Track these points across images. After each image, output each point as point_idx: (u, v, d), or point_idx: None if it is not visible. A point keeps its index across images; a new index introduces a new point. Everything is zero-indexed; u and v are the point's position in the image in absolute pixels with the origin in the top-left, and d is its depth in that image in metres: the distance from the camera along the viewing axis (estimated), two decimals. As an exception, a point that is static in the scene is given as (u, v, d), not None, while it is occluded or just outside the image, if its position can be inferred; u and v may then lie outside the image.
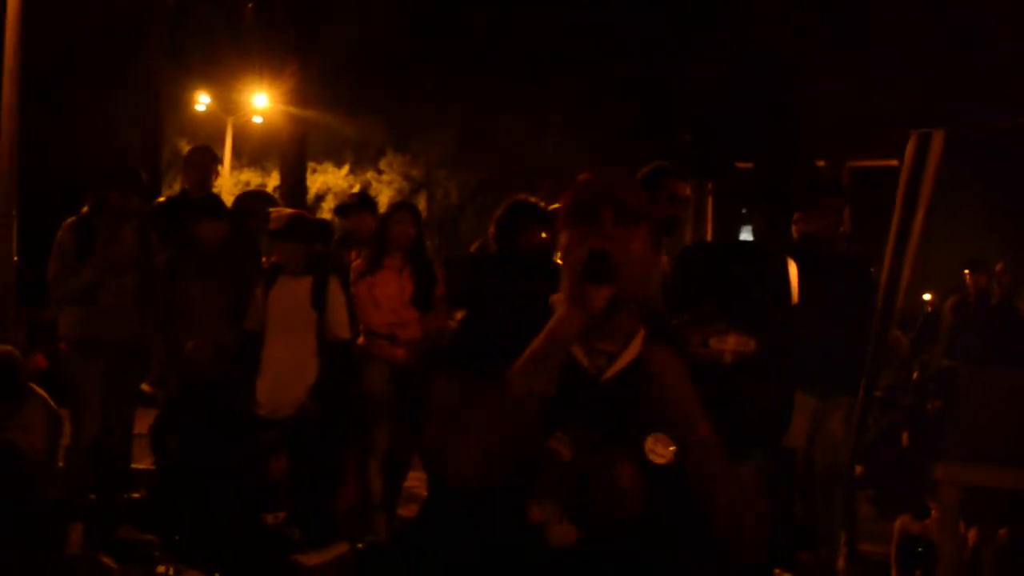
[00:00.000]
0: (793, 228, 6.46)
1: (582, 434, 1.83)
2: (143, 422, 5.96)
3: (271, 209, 5.87)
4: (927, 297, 10.11)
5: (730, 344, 4.39)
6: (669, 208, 4.89)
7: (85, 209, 5.61)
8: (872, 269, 5.50)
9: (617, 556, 1.80)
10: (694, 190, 6.21)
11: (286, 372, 5.41)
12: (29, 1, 9.61)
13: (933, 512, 5.46)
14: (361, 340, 5.74)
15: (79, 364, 5.40)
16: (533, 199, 5.33)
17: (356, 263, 5.86)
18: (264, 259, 6.07)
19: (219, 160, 6.79)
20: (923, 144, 4.79)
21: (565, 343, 1.80)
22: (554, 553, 1.80)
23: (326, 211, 24.00)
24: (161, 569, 5.13)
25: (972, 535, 4.95)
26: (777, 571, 5.09)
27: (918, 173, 4.80)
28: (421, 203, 24.50)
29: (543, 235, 5.14)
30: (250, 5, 16.72)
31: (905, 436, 8.56)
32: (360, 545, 5.48)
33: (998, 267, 7.53)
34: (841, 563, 5.44)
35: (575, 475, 1.81)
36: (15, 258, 9.92)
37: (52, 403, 5.92)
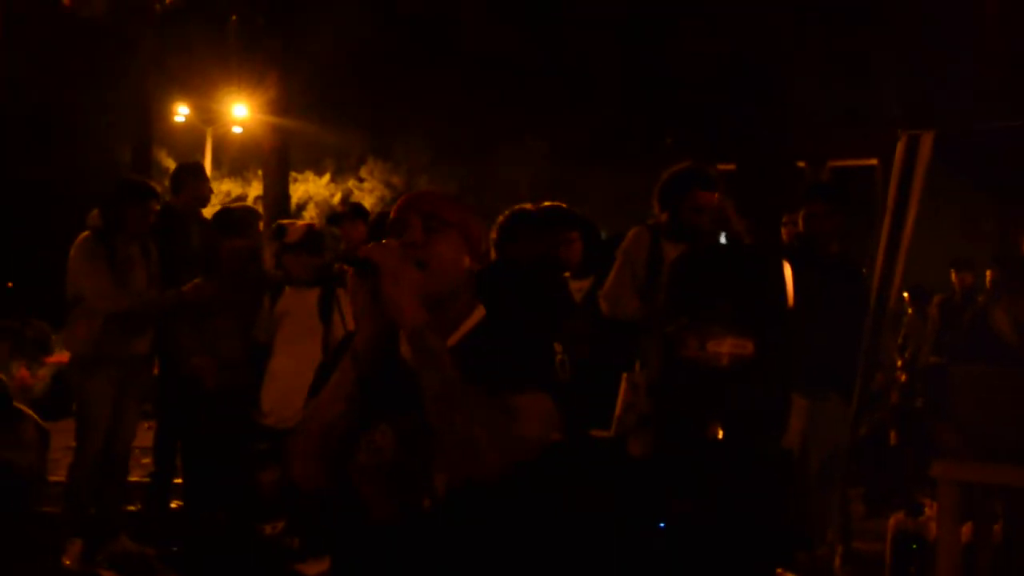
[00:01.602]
0: (783, 230, 6.51)
1: (404, 424, 2.07)
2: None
3: (284, 221, 5.89)
4: (905, 295, 10.19)
5: (727, 347, 4.44)
6: (694, 218, 4.89)
7: (93, 221, 5.57)
8: (863, 270, 5.54)
9: (431, 539, 2.04)
10: None
11: (292, 382, 5.41)
12: (10, 15, 9.58)
13: (926, 509, 5.52)
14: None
15: (89, 380, 5.37)
16: (532, 208, 5.35)
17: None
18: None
19: None
20: (912, 145, 4.84)
21: (364, 352, 2.08)
22: (378, 528, 2.08)
23: (307, 220, 23.94)
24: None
25: (966, 531, 5.00)
26: (779, 571, 5.14)
27: (908, 174, 4.85)
28: (403, 210, 24.43)
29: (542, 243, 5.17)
30: (234, 17, 16.66)
31: (893, 434, 8.64)
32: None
33: (989, 274, 7.82)
34: (837, 561, 5.49)
35: (394, 465, 2.08)
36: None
37: (39, 420, 5.93)
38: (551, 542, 2.15)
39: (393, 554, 2.07)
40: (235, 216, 5.87)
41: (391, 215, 2.23)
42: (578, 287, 5.55)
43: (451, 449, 1.96)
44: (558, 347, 2.16)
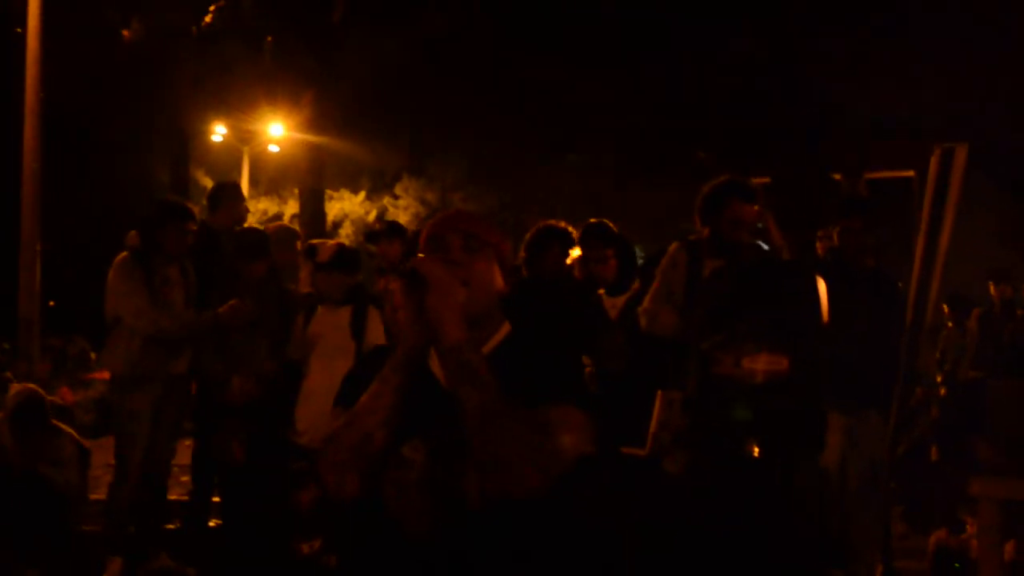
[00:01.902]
0: (818, 244, 6.46)
1: (435, 438, 2.08)
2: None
3: (315, 241, 5.94)
4: (944, 308, 10.08)
5: (762, 364, 4.42)
6: (732, 231, 4.78)
7: (131, 242, 5.65)
8: (900, 284, 5.48)
9: (465, 552, 2.04)
10: None
11: (326, 401, 5.40)
12: (52, 38, 9.73)
13: (968, 526, 5.45)
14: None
15: (128, 399, 5.45)
16: (561, 224, 5.37)
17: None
18: (293, 288, 6.14)
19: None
20: (946, 159, 4.80)
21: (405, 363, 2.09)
22: (411, 543, 2.08)
23: (343, 237, 24.12)
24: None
25: (1009, 549, 4.93)
26: (817, 589, 5.08)
27: (942, 188, 4.80)
28: (438, 227, 24.52)
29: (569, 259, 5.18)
30: (270, 38, 16.86)
31: (934, 450, 8.53)
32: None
33: None
34: (879, 578, 5.42)
35: (425, 479, 2.08)
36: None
37: (79, 438, 6.00)
38: (582, 555, 2.15)
39: (426, 569, 2.07)
40: (250, 238, 5.91)
41: (425, 232, 2.25)
42: (612, 304, 5.55)
43: (487, 464, 1.96)
44: (587, 360, 2.20)
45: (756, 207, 4.83)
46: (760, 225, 4.91)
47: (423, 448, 2.10)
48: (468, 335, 2.03)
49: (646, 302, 5.07)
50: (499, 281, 2.24)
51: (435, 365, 2.14)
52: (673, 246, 5.14)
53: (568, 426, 2.03)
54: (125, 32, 14.12)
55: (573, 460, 2.03)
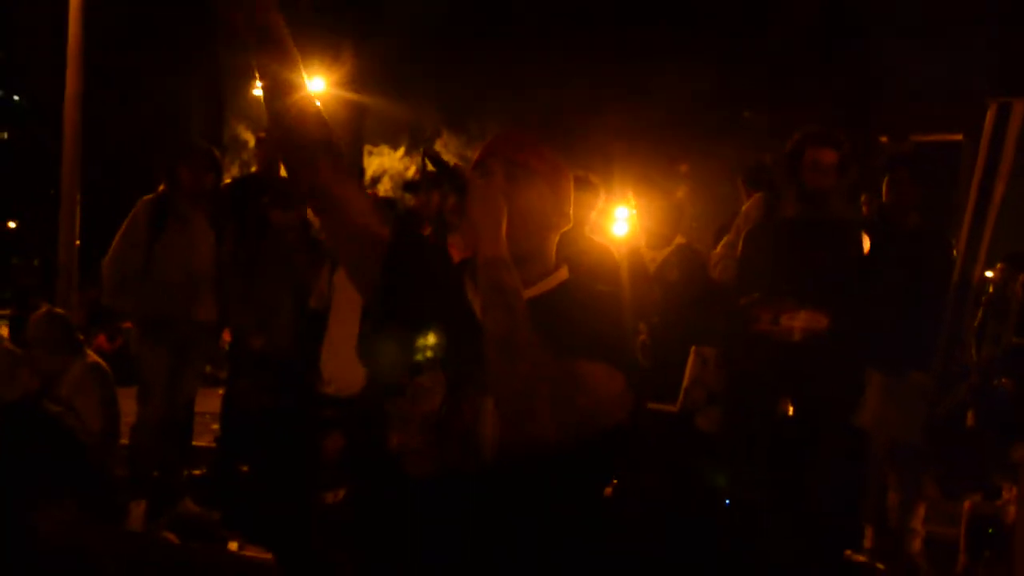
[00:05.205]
0: (863, 208, 6.32)
1: (460, 375, 1.86)
2: (205, 401, 6.00)
3: None
4: (989, 274, 9.74)
5: (800, 321, 4.29)
6: (812, 178, 4.51)
7: (161, 188, 5.61)
8: (952, 241, 5.28)
9: (473, 494, 1.81)
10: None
11: (350, 350, 5.35)
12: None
13: (1004, 492, 5.32)
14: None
15: (146, 343, 5.42)
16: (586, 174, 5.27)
17: None
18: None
19: None
20: (1003, 114, 4.60)
21: None
22: (412, 483, 1.85)
23: (382, 193, 24.12)
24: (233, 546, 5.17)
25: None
26: (848, 552, 4.98)
27: (997, 144, 4.61)
28: (477, 184, 24.46)
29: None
30: (308, -8, 16.82)
31: (971, 415, 8.35)
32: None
33: None
34: (919, 546, 5.29)
35: (440, 412, 1.86)
36: (76, 242, 10.05)
37: (107, 368, 5.76)
38: (593, 531, 1.93)
39: (421, 513, 1.86)
40: (283, 187, 5.83)
41: (476, 156, 2.04)
42: (652, 257, 5.45)
43: (506, 401, 1.74)
44: (643, 327, 1.99)
45: (835, 152, 4.57)
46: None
47: (444, 381, 1.88)
48: (507, 253, 1.81)
49: (718, 250, 4.98)
50: (553, 218, 1.99)
51: (472, 292, 1.94)
52: (755, 196, 5.01)
53: (604, 388, 1.80)
54: None
55: (601, 425, 1.81)
